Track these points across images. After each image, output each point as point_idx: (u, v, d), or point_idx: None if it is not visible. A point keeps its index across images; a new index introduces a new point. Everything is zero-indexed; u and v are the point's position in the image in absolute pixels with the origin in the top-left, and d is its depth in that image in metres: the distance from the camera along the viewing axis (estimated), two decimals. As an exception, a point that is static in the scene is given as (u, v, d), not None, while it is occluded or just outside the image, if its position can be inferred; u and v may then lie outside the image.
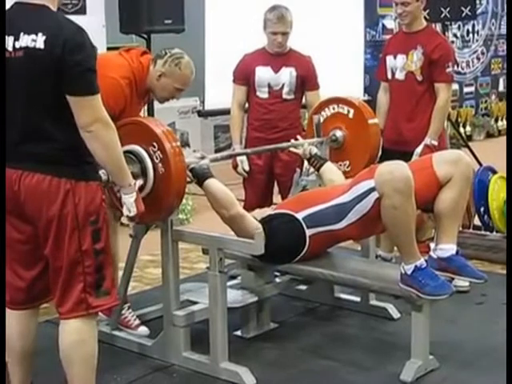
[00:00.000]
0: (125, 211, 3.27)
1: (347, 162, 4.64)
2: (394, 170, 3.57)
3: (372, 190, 3.63)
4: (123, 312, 4.12)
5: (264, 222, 3.91)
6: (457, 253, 3.81)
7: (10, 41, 2.92)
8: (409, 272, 3.62)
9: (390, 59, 5.10)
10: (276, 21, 4.96)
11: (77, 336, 3.07)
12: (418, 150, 4.87)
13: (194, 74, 4.02)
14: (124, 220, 3.37)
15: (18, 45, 2.90)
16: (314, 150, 4.49)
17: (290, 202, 4.19)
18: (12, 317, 3.10)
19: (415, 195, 3.57)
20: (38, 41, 2.87)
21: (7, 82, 2.94)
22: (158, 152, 3.50)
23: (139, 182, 3.42)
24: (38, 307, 3.26)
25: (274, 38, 5.01)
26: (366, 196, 3.67)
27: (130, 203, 3.20)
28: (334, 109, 4.67)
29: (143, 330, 4.15)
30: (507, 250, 4.72)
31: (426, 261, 3.69)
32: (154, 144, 3.51)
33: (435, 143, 4.89)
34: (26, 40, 2.89)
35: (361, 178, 3.77)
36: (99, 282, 3.07)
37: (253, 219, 3.86)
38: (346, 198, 3.80)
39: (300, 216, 3.92)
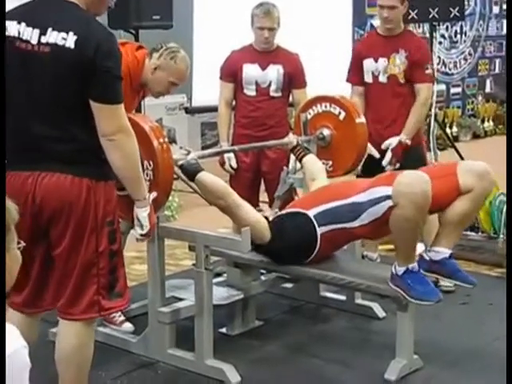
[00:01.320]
0: (137, 230, 3.21)
1: (330, 163, 4.63)
2: (414, 182, 3.45)
3: (388, 197, 3.51)
4: None
5: (273, 221, 3.91)
6: (450, 256, 3.78)
7: (35, 34, 2.84)
8: (399, 273, 3.61)
9: (369, 62, 5.04)
10: (263, 15, 4.95)
11: (77, 340, 3.03)
12: (393, 143, 4.86)
13: (189, 69, 4.00)
14: (136, 235, 3.27)
15: (44, 40, 2.83)
16: (300, 141, 4.50)
17: (301, 200, 4.15)
18: (14, 316, 3.05)
19: (432, 200, 3.47)
20: (69, 40, 2.81)
21: (27, 75, 2.86)
22: (146, 149, 3.49)
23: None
24: (39, 315, 3.19)
25: (260, 34, 5.00)
26: (381, 202, 3.56)
27: (144, 217, 3.14)
28: (325, 107, 4.66)
29: (128, 326, 4.14)
30: (507, 251, 4.73)
31: (418, 264, 3.67)
32: (142, 141, 3.49)
33: (409, 142, 4.88)
34: (54, 36, 2.82)
35: (380, 182, 3.67)
36: (112, 284, 3.03)
37: (252, 209, 3.85)
38: (361, 197, 3.69)
39: (311, 213, 3.86)
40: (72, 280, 2.98)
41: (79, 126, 2.88)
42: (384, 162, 4.84)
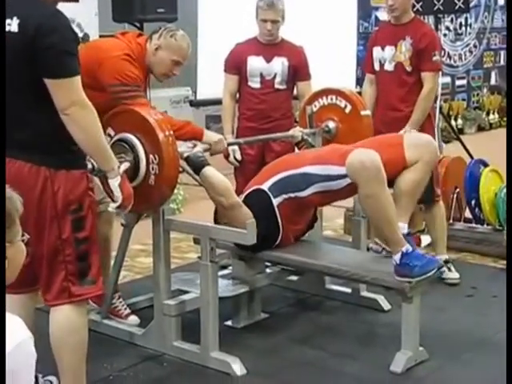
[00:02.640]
0: (112, 204, 3.24)
1: None
2: (365, 159, 3.62)
3: (345, 176, 3.68)
4: (114, 301, 4.12)
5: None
6: (408, 234, 3.89)
7: None
8: (398, 261, 3.65)
9: (377, 50, 5.06)
10: (266, 8, 4.94)
11: (67, 324, 3.06)
12: None
13: (191, 47, 3.99)
14: (111, 209, 3.31)
15: None
16: (305, 136, 4.51)
17: (256, 177, 4.20)
18: (8, 300, 3.08)
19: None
20: (13, 25, 2.86)
21: None
22: (151, 142, 3.50)
23: (125, 165, 3.35)
24: (35, 293, 3.23)
25: (264, 26, 4.99)
26: (338, 179, 3.74)
27: (115, 188, 3.15)
28: (331, 99, 4.66)
29: (133, 319, 4.14)
30: (507, 245, 4.73)
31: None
32: (147, 134, 3.50)
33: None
34: None
35: (334, 160, 3.78)
36: (84, 271, 3.06)
37: (247, 209, 3.86)
38: (313, 169, 3.85)
39: (265, 187, 3.96)
40: (43, 267, 3.04)
41: (36, 112, 2.92)
42: None
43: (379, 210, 3.65)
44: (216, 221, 3.99)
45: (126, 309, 4.18)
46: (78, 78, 2.90)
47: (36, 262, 3.05)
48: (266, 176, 4.04)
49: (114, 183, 3.16)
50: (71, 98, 2.86)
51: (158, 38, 3.89)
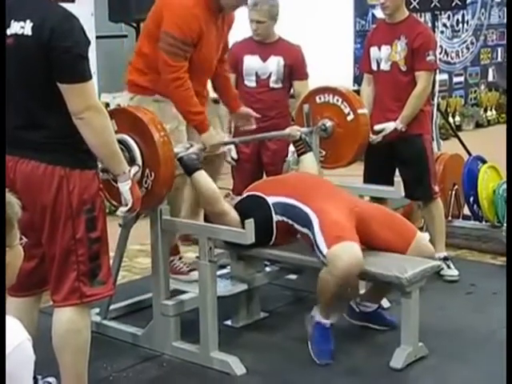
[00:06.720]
0: (122, 208, 3.24)
1: (323, 152, 4.71)
2: (346, 268, 3.59)
3: (324, 256, 3.66)
4: (174, 261, 4.13)
5: (237, 207, 3.92)
6: (377, 307, 4.16)
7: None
8: (316, 319, 3.80)
9: (374, 50, 5.04)
10: (251, 8, 4.93)
11: (70, 325, 3.06)
12: (388, 129, 4.85)
13: None
14: (119, 213, 3.31)
15: (9, 32, 2.90)
16: (304, 135, 4.49)
17: (263, 184, 4.20)
18: (11, 304, 3.08)
19: (374, 240, 3.85)
20: (26, 28, 2.87)
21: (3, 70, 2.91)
22: (147, 142, 3.49)
23: (134, 168, 3.37)
24: (39, 295, 3.24)
25: (251, 26, 5.03)
26: (318, 252, 3.70)
27: (126, 191, 3.16)
28: (337, 101, 4.65)
29: (196, 274, 3.97)
30: (507, 242, 4.73)
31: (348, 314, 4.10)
32: (142, 134, 3.49)
33: (403, 129, 4.87)
34: (15, 27, 2.89)
35: (328, 235, 3.68)
36: (95, 271, 3.06)
37: (235, 215, 3.85)
38: (314, 218, 3.75)
39: (270, 200, 3.92)
40: (54, 267, 3.04)
41: (50, 113, 2.94)
42: (372, 140, 4.83)
43: (326, 293, 3.70)
44: (206, 220, 3.99)
45: (187, 266, 4.16)
46: (92, 82, 2.93)
47: (47, 262, 3.06)
48: (275, 189, 3.98)
49: (125, 187, 3.16)
50: (86, 103, 2.88)
51: None
